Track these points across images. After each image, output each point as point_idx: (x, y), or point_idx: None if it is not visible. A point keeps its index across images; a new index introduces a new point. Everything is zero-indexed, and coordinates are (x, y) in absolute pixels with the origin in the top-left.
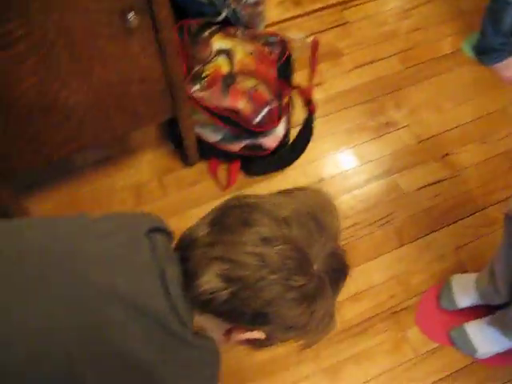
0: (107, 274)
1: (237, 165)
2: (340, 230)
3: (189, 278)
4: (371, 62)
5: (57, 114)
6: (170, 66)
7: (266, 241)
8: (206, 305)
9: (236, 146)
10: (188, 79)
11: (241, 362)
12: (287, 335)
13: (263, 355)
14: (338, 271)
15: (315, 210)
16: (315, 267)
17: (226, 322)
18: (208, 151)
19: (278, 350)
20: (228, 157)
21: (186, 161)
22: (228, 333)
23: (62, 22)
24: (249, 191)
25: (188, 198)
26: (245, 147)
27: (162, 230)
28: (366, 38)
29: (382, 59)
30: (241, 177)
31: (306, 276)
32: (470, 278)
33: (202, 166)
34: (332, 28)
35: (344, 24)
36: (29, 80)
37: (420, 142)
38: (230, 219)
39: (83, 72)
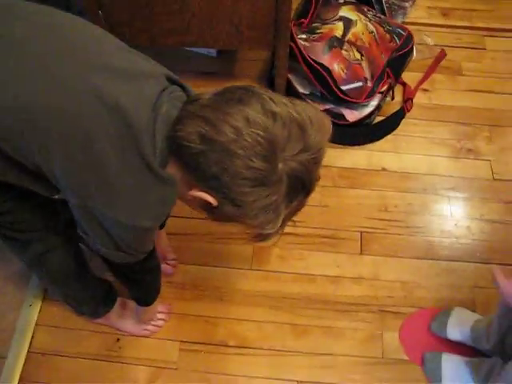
0: (115, 80)
1: None
2: (323, 152)
3: (178, 121)
4: (487, 92)
5: (172, 3)
6: (281, 0)
7: (247, 121)
8: (178, 149)
9: (320, 106)
10: (303, 29)
11: (228, 288)
12: (230, 210)
13: (248, 286)
14: (300, 180)
15: (306, 122)
16: (280, 165)
17: (189, 175)
18: None
19: (262, 288)
20: None
21: None
22: (189, 188)
23: None
24: None
25: None
26: (327, 110)
27: (179, 85)
28: (495, 69)
29: (500, 93)
30: None
31: (266, 164)
32: (472, 316)
33: None
34: (466, 48)
35: (480, 49)
36: None
37: (494, 180)
38: (231, 95)
39: None
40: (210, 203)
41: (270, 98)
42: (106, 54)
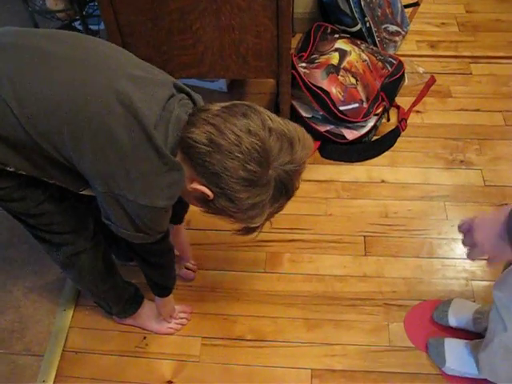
0: (132, 85)
1: (316, 143)
2: (305, 165)
3: (189, 124)
4: (475, 110)
5: (188, 39)
6: (282, 32)
7: (249, 131)
8: (188, 147)
9: (322, 127)
10: (303, 60)
11: (244, 289)
12: (224, 204)
13: (263, 287)
14: (285, 185)
15: (294, 138)
16: (270, 172)
17: (193, 170)
18: (298, 124)
19: (275, 288)
20: (312, 134)
21: None
22: (190, 181)
23: None
24: (319, 168)
25: None
26: (328, 131)
27: (185, 92)
28: (481, 91)
29: (487, 111)
30: (316, 155)
31: (259, 168)
32: (470, 304)
33: None
34: (453, 74)
35: (466, 74)
36: (175, 4)
37: (485, 186)
38: (237, 109)
39: (215, 11)
40: (208, 196)
41: (269, 117)
42: (126, 65)
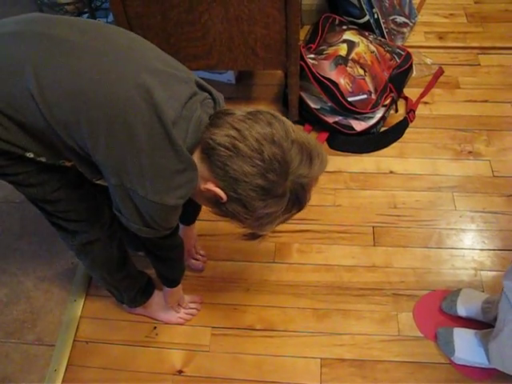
0: (154, 79)
1: (325, 135)
2: (318, 180)
3: (212, 126)
4: (483, 101)
5: (196, 30)
6: (290, 23)
7: (272, 140)
8: (208, 148)
9: (330, 119)
10: (311, 52)
11: (254, 279)
12: (237, 209)
13: (272, 277)
14: (298, 198)
15: (314, 153)
16: (287, 183)
17: (210, 172)
18: (306, 115)
19: (285, 278)
20: (321, 126)
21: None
22: (204, 181)
23: None
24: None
25: None
26: (337, 122)
27: (207, 90)
28: (490, 82)
29: (495, 102)
30: (325, 146)
31: (277, 178)
32: (479, 294)
33: None
34: (462, 65)
35: (475, 65)
36: None
37: (494, 176)
38: (262, 116)
39: (224, 3)
40: (221, 198)
41: (292, 128)
42: (149, 58)
